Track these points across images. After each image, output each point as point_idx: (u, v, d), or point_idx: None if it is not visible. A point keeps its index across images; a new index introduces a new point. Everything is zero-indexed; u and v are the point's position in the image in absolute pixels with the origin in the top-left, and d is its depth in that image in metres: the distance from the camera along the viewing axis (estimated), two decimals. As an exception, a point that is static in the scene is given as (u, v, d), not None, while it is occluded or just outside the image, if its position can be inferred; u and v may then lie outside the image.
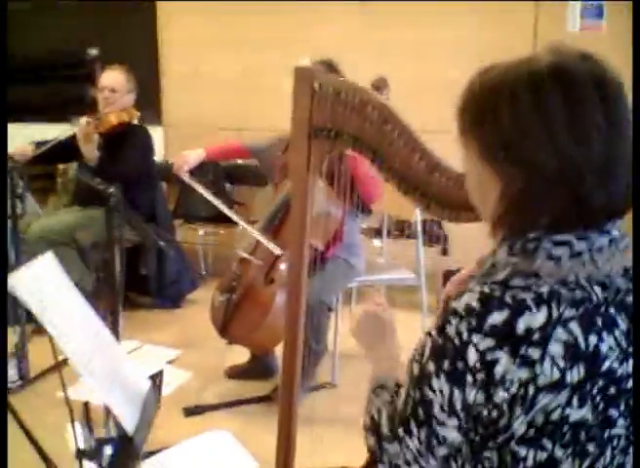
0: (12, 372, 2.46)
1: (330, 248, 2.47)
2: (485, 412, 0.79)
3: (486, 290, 0.79)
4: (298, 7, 3.85)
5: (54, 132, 3.19)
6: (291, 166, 1.30)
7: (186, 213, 3.93)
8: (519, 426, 0.78)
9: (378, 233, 3.61)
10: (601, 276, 0.79)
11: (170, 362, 2.80)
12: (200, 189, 2.50)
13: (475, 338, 0.77)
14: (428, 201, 1.17)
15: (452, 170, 1.14)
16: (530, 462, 0.79)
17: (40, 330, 2.91)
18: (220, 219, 3.92)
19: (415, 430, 0.84)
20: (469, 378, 0.78)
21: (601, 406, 0.79)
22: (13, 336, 2.49)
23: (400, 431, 0.85)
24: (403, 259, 3.09)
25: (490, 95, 0.81)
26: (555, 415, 0.77)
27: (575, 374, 0.77)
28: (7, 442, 1.12)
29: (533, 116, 0.77)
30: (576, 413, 0.78)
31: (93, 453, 1.03)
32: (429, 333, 0.83)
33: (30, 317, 2.85)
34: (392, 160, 1.18)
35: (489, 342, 0.76)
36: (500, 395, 0.77)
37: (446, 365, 0.79)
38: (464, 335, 0.77)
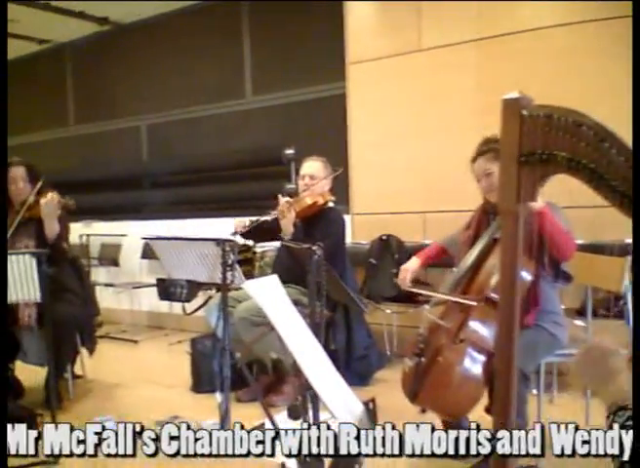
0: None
1: (525, 314, 2.35)
2: None
3: None
4: (469, 95, 4.01)
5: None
6: (500, 198, 1.30)
7: (371, 293, 4.03)
8: None
9: (580, 313, 3.32)
10: None
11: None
12: (428, 293, 2.58)
13: None
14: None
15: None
16: None
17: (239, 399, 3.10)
18: (404, 299, 3.96)
19: None
20: None
21: None
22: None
23: None
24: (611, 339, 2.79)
25: None
26: None
27: None
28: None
29: None
30: None
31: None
32: None
33: (234, 384, 3.06)
34: (612, 178, 1.15)
35: None
36: None
37: None
38: None
